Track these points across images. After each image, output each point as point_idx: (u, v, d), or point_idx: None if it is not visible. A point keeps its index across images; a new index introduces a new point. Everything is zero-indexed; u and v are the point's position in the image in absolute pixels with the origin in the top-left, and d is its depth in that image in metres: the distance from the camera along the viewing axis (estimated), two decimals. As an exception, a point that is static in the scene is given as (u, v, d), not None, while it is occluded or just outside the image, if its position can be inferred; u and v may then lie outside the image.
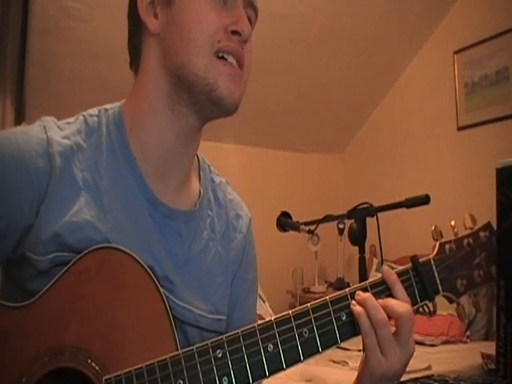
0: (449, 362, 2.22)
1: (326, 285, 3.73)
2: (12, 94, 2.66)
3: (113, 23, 2.47)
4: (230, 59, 0.75)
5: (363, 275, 1.43)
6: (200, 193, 0.85)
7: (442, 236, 0.74)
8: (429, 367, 2.03)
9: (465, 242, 0.73)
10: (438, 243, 0.73)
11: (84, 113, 0.80)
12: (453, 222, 0.74)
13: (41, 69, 2.82)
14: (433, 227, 0.74)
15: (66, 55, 2.81)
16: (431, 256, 0.72)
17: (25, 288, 0.70)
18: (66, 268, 0.68)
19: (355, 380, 0.73)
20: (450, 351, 2.61)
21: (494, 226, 0.72)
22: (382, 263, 1.58)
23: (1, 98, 2.55)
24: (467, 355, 2.28)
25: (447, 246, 0.73)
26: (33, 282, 0.70)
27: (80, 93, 2.88)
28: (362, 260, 1.43)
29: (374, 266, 3.55)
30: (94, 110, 0.81)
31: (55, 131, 0.75)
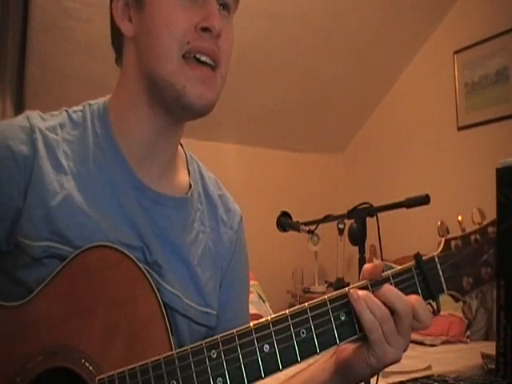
0: (449, 362, 2.22)
1: (326, 285, 3.73)
2: (12, 94, 2.67)
3: (113, 23, 2.47)
4: (204, 58, 0.74)
5: (363, 275, 1.42)
6: (191, 185, 0.86)
7: (448, 232, 0.71)
8: (429, 367, 2.03)
9: (472, 238, 0.70)
10: (443, 239, 0.70)
11: (67, 109, 0.82)
12: (460, 218, 0.71)
13: (41, 69, 2.83)
14: (439, 223, 0.71)
15: (66, 55, 2.81)
16: (436, 253, 0.70)
17: (15, 278, 0.70)
18: (59, 267, 0.68)
19: (332, 371, 0.72)
20: (450, 351, 2.61)
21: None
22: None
23: (1, 98, 2.55)
24: (467, 355, 2.28)
25: (453, 243, 0.70)
26: (24, 272, 0.70)
27: (80, 93, 2.87)
28: (361, 260, 1.43)
29: (374, 266, 3.55)
30: (77, 107, 0.83)
31: (38, 120, 0.77)
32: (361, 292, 0.66)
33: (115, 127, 0.79)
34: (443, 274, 0.69)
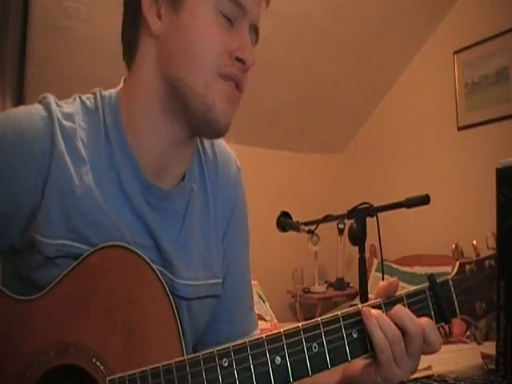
0: (449, 362, 2.21)
1: (326, 285, 3.74)
2: (12, 93, 2.67)
3: (113, 23, 2.47)
4: (230, 83, 0.74)
5: (363, 275, 1.43)
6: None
7: (463, 255, 0.71)
8: (429, 367, 2.02)
9: (486, 263, 0.70)
10: (458, 263, 0.70)
11: (80, 95, 0.80)
12: (474, 242, 0.71)
13: (41, 69, 2.83)
14: (453, 246, 0.71)
15: (66, 55, 2.81)
16: (450, 276, 0.69)
17: (28, 278, 0.70)
18: (73, 265, 0.67)
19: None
20: (450, 351, 2.60)
21: (494, 226, 0.72)
22: (382, 263, 1.59)
23: (1, 98, 2.55)
24: (467, 355, 2.28)
25: (468, 267, 0.70)
26: (37, 272, 0.69)
27: (80, 93, 2.88)
28: (362, 260, 1.43)
29: (374, 266, 3.55)
30: (89, 94, 0.80)
31: (55, 108, 0.74)
32: (373, 310, 0.66)
33: (126, 129, 0.77)
34: (457, 297, 0.69)
